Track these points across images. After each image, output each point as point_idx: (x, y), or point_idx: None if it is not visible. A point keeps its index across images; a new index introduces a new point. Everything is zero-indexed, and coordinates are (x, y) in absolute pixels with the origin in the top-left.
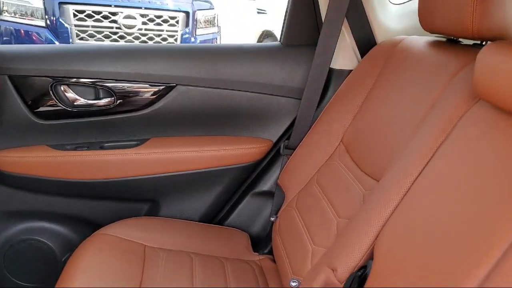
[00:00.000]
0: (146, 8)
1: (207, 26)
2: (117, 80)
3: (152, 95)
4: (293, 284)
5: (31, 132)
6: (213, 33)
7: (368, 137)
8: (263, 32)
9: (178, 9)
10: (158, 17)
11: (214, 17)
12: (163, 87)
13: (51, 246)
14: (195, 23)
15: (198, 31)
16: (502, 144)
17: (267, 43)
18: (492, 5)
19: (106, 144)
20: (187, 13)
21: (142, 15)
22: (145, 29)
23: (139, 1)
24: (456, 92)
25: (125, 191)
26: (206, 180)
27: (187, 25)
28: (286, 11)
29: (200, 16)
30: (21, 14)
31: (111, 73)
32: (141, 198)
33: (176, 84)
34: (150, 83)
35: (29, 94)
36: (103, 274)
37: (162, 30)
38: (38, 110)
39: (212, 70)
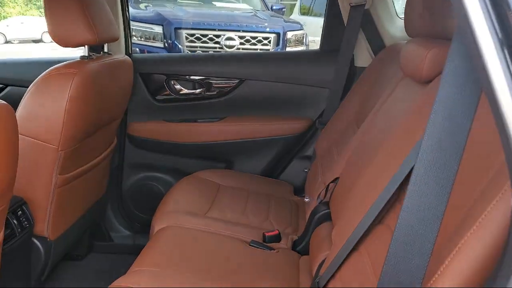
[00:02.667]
0: (243, 31)
1: (297, 44)
2: (206, 76)
3: (229, 86)
4: (306, 199)
5: (152, 110)
6: (302, 50)
7: (362, 109)
8: None
9: (271, 31)
10: (254, 37)
11: (303, 36)
12: (236, 81)
13: (160, 189)
14: (285, 42)
15: (288, 49)
16: (413, 101)
17: (310, 49)
18: (433, 15)
19: (199, 120)
20: (278, 34)
21: (240, 37)
22: (242, 49)
23: (238, 25)
24: (401, 73)
25: (210, 151)
26: (265, 146)
27: (278, 44)
28: (323, 26)
29: (290, 36)
30: (146, 38)
31: (203, 72)
32: (220, 157)
33: (245, 79)
34: (228, 79)
35: (152, 85)
36: (189, 197)
37: (256, 49)
38: (157, 96)
39: (271, 69)
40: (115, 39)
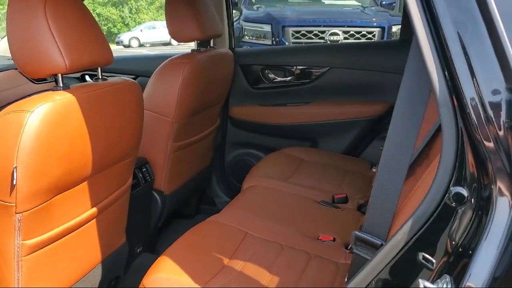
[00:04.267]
0: (348, 26)
1: None
2: (295, 66)
3: (315, 74)
4: (374, 170)
5: (250, 96)
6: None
7: None
8: None
9: (376, 25)
10: (358, 32)
11: None
12: (322, 69)
13: (254, 163)
14: (390, 36)
15: None
16: None
17: (391, 39)
18: None
19: (288, 104)
20: (383, 28)
21: (344, 32)
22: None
23: (343, 21)
24: None
25: (297, 131)
26: (347, 127)
27: (382, 38)
28: (402, 17)
29: (395, 29)
30: (257, 36)
31: (292, 62)
32: (306, 137)
33: (330, 67)
34: (314, 67)
35: (250, 75)
36: (274, 166)
37: None
38: (254, 84)
39: (353, 57)
40: (219, 35)
